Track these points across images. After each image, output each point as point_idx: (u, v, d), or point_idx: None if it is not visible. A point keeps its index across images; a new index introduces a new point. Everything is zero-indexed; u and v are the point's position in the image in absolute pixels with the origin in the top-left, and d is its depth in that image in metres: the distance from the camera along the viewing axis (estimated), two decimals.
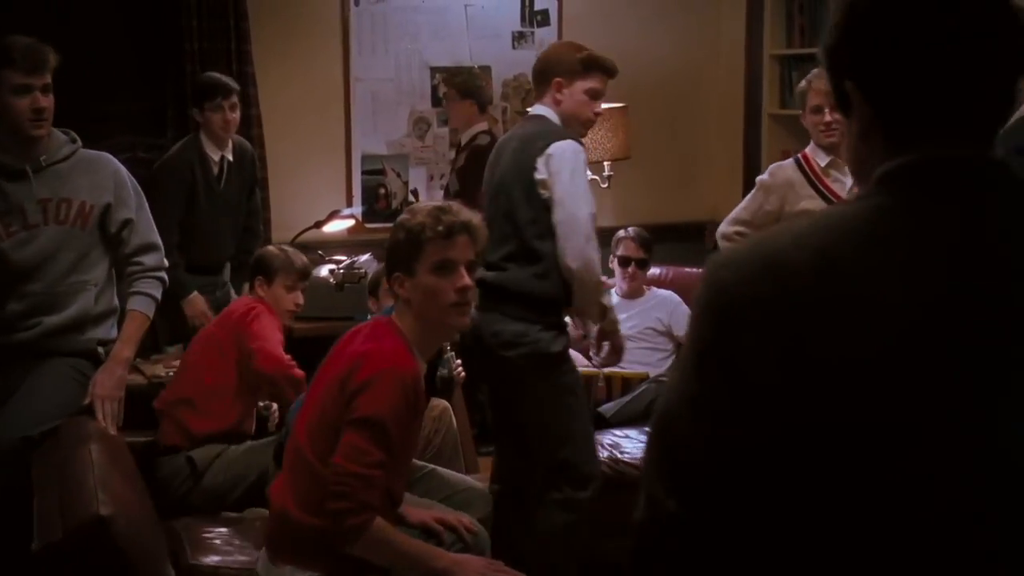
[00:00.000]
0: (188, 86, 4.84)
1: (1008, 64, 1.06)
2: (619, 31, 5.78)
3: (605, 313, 3.35)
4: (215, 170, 4.49)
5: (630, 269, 4.67)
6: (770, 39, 5.73)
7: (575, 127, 3.32)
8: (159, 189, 4.20)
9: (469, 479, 3.24)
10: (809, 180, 3.52)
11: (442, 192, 5.42)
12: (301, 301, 3.74)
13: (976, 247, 1.01)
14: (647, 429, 1.13)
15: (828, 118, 3.37)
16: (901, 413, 0.98)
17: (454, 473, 3.23)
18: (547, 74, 3.30)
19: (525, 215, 3.20)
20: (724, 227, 3.70)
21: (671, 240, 5.96)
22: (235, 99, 4.43)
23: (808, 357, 0.99)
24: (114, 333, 3.36)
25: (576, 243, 3.14)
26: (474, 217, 2.57)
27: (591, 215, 3.18)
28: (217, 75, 4.55)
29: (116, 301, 3.44)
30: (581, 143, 3.26)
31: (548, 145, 3.18)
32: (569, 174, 3.16)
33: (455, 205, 2.59)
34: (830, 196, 3.45)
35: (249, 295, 3.75)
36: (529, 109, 3.54)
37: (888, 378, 0.98)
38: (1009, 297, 0.99)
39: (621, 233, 4.75)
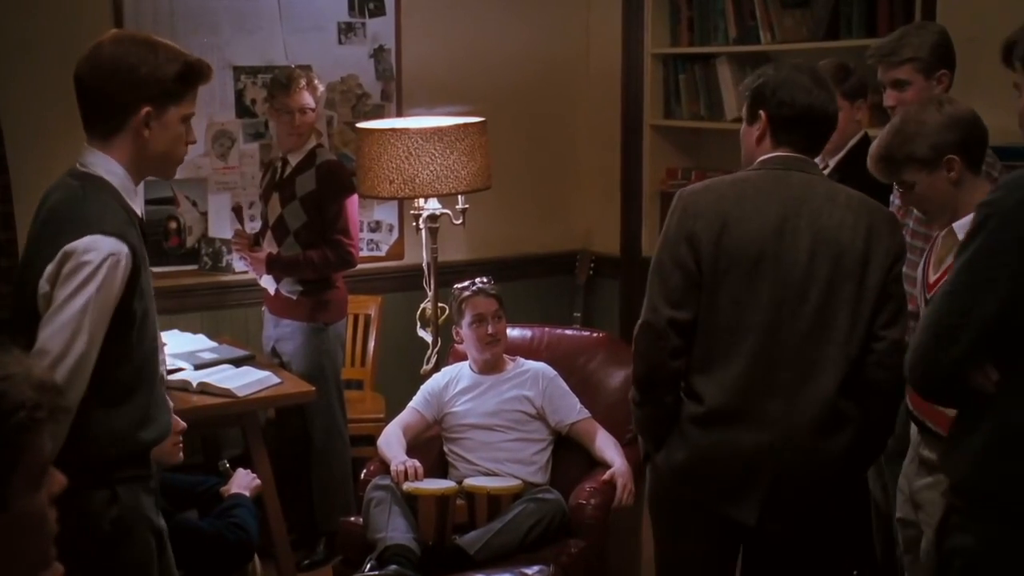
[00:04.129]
0: None
1: (825, 121, 2.46)
2: (470, 24, 5.07)
3: None
4: None
5: (490, 328, 3.56)
6: (652, 36, 4.91)
7: (162, 172, 2.35)
8: None
9: None
10: None
11: (259, 225, 4.33)
12: None
13: (797, 193, 2.40)
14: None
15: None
16: (756, 259, 2.37)
17: None
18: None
19: None
20: None
21: (536, 275, 5.18)
22: None
23: (726, 234, 2.36)
24: None
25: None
26: None
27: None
28: None
29: None
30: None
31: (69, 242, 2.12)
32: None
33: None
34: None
35: None
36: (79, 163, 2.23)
37: (756, 243, 2.35)
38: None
39: (464, 292, 3.62)
